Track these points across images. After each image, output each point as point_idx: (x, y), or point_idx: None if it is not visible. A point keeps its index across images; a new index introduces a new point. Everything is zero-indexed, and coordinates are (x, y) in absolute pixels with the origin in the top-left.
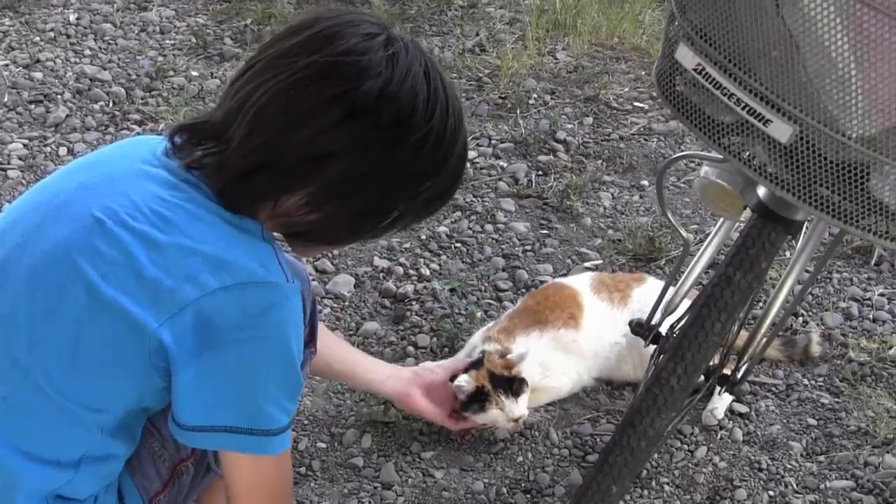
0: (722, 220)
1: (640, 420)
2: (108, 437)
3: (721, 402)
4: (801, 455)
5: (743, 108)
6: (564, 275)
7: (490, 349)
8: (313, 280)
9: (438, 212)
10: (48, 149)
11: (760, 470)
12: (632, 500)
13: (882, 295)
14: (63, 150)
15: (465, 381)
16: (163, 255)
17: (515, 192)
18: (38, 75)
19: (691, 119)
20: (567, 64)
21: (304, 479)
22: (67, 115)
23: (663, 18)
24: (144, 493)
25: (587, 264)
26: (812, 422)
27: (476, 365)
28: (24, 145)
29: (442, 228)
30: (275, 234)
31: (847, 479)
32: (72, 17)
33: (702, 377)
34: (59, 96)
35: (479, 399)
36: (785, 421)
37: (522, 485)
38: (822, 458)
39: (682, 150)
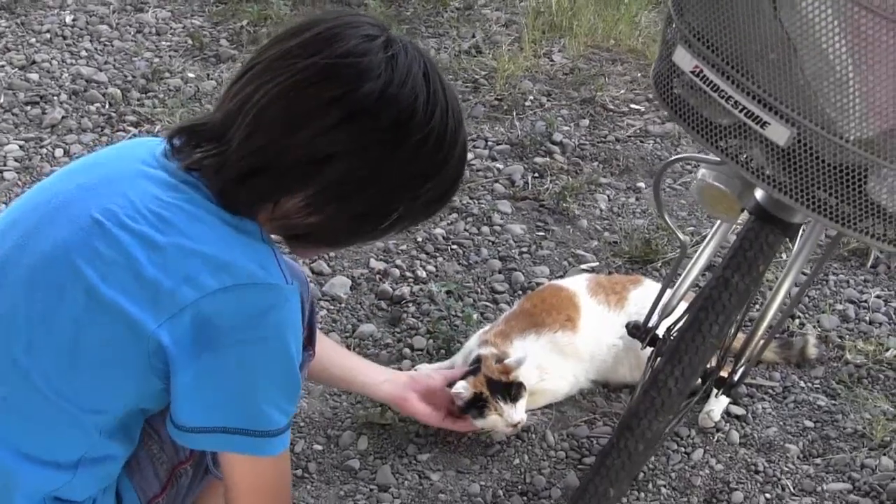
0: (719, 222)
1: (638, 423)
2: (106, 438)
3: (718, 404)
4: (798, 457)
5: (740, 111)
6: (561, 277)
7: (486, 353)
8: (309, 282)
9: (438, 213)
10: (44, 150)
11: (757, 472)
12: (628, 503)
13: (878, 297)
14: (59, 152)
15: (462, 388)
16: (162, 256)
17: (512, 194)
18: (34, 76)
19: (689, 121)
20: (563, 66)
21: (301, 482)
22: (63, 117)
23: (659, 20)
24: (143, 495)
25: (584, 266)
26: (809, 424)
27: (473, 371)
28: (20, 146)
29: (438, 230)
30: (274, 236)
31: (844, 481)
32: (68, 19)
33: (699, 380)
34: (55, 97)
35: (477, 405)
36: (781, 423)
37: (519, 487)
38: (818, 460)
39: (679, 153)
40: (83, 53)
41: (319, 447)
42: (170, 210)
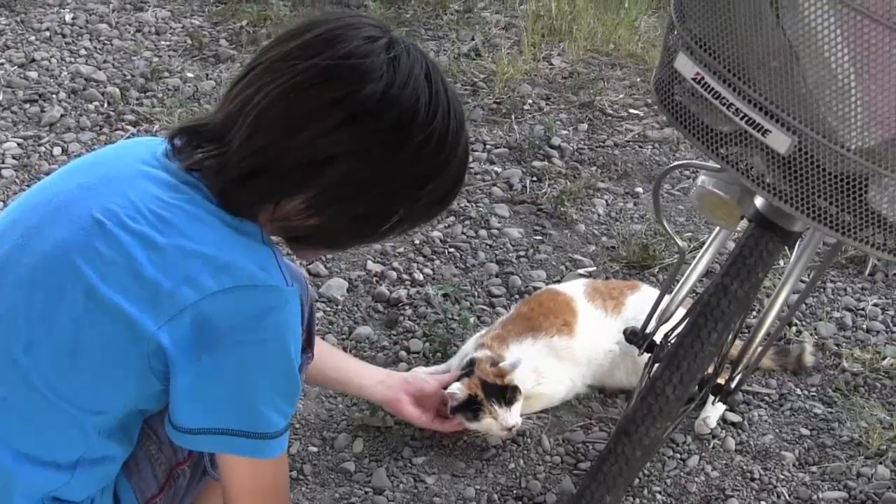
0: (718, 229)
1: (635, 429)
2: (105, 438)
3: (714, 411)
4: (794, 465)
5: (741, 119)
6: (558, 281)
7: (481, 356)
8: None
9: (439, 215)
10: (42, 148)
11: (753, 480)
12: None
13: (876, 305)
14: (57, 150)
15: (457, 389)
16: (162, 257)
17: (510, 198)
18: (33, 74)
19: (689, 128)
20: (562, 70)
21: (296, 484)
22: (62, 115)
23: (659, 25)
24: (141, 495)
25: (581, 271)
26: (805, 432)
27: (467, 374)
28: (19, 144)
29: (436, 233)
30: (274, 237)
31: (840, 489)
32: (67, 17)
33: (696, 386)
34: (53, 96)
35: (472, 408)
36: (778, 431)
37: (514, 492)
38: (814, 468)
39: (677, 158)
40: (82, 52)
41: (315, 449)
42: (170, 210)
